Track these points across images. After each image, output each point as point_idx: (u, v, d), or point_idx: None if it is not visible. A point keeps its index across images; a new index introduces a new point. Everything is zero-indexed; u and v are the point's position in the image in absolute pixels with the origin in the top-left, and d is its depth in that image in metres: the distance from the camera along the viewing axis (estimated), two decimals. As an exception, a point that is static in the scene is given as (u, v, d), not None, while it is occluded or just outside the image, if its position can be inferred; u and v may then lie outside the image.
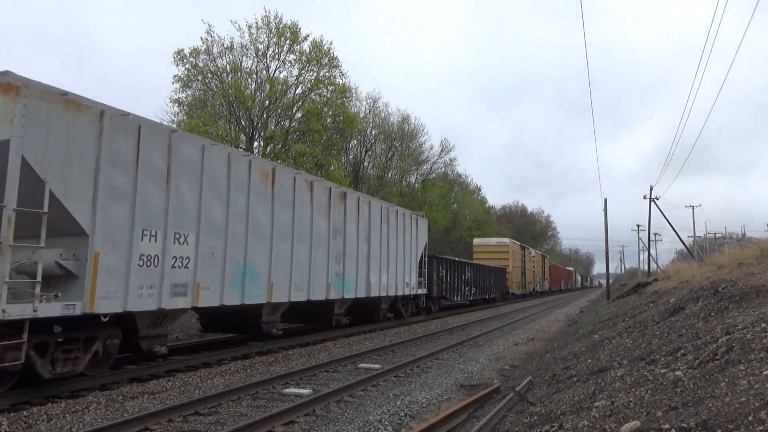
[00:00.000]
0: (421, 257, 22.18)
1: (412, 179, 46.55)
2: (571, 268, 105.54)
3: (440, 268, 25.47)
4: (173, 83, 29.16)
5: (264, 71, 30.95)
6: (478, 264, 34.44)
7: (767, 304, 7.72)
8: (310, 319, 16.48)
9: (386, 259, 18.57)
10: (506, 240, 45.47)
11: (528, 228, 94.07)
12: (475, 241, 45.61)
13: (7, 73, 7.30)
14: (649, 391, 4.87)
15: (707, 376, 4.74)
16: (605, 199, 39.68)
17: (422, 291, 22.41)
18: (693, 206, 59.13)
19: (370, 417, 7.08)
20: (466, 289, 30.03)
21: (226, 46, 29.83)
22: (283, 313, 13.68)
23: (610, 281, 42.65)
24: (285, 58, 30.97)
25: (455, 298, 28.29)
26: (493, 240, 46.12)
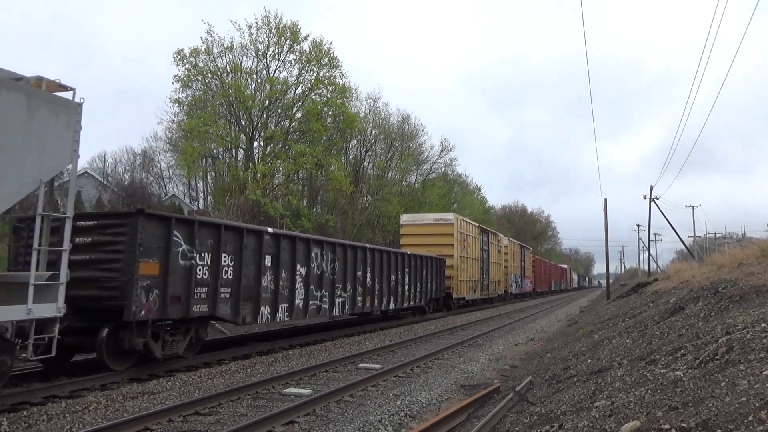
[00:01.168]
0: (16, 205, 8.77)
1: (412, 179, 46.62)
2: (565, 266, 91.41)
3: (189, 245, 10.50)
4: (173, 83, 29.25)
5: (264, 71, 31.03)
6: (370, 248, 18.57)
7: (767, 304, 7.72)
8: None
9: None
10: (450, 216, 28.76)
11: (528, 228, 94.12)
12: (403, 218, 29.43)
13: None
14: (649, 391, 4.87)
15: (707, 376, 4.74)
16: (605, 199, 39.64)
17: None
18: (693, 206, 59.26)
19: (370, 417, 7.08)
20: (323, 293, 14.92)
21: (226, 46, 29.93)
22: None
23: (610, 281, 42.64)
24: (285, 58, 31.07)
25: (277, 317, 13.07)
26: (430, 216, 29.50)
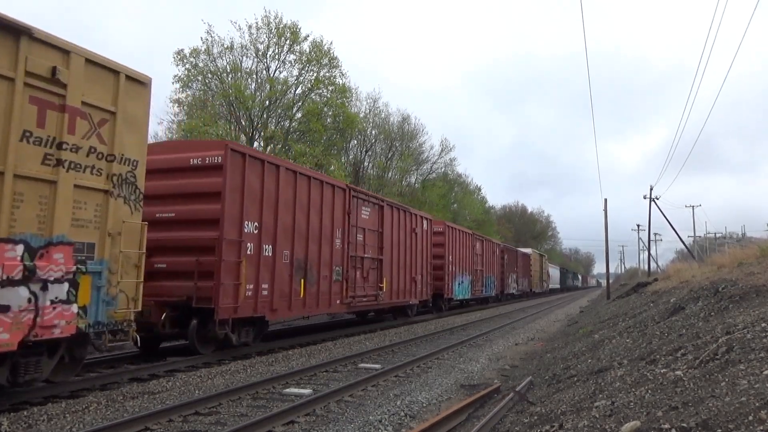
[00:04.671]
0: None
1: (412, 179, 46.60)
2: (529, 251, 52.82)
3: None
4: (173, 83, 29.26)
5: (264, 71, 31.01)
6: None
7: (767, 303, 7.72)
8: None
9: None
10: None
11: (528, 228, 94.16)
12: None
13: None
14: (650, 391, 4.87)
15: (707, 376, 4.74)
16: (605, 199, 39.57)
17: None
18: (693, 206, 59.30)
19: (371, 417, 7.08)
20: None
21: (226, 46, 29.90)
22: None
23: (611, 281, 42.58)
24: (285, 58, 31.04)
25: None
26: None
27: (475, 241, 31.45)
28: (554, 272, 73.87)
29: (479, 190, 60.88)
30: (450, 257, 26.29)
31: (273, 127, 30.56)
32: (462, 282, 28.36)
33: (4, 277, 6.71)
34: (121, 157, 8.33)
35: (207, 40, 29.44)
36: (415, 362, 11.28)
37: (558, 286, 76.64)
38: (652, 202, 42.25)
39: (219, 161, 11.35)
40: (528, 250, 53.60)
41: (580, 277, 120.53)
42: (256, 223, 11.98)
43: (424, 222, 22.77)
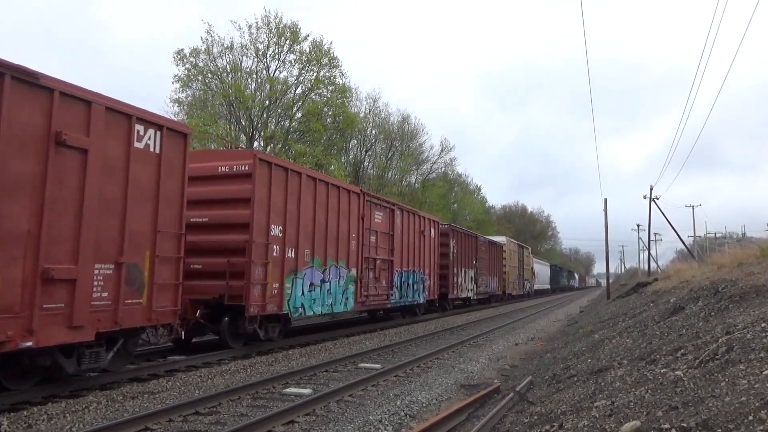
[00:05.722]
0: None
1: (412, 179, 46.57)
2: (502, 239, 40.62)
3: None
4: (173, 83, 29.26)
5: (264, 71, 31.01)
6: None
7: (767, 303, 7.72)
8: None
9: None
10: None
11: (528, 228, 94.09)
12: None
13: None
14: (650, 391, 4.87)
15: (707, 376, 4.74)
16: (605, 199, 39.50)
17: None
18: (693, 206, 59.29)
19: (371, 417, 7.08)
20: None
21: (226, 46, 29.91)
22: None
23: (611, 281, 42.56)
24: (285, 58, 31.04)
25: None
26: None
27: (371, 210, 17.52)
28: (542, 270, 61.32)
29: (479, 190, 60.92)
30: (277, 229, 12.71)
31: (273, 127, 30.56)
32: (322, 282, 14.62)
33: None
34: None
35: (207, 39, 29.46)
36: (415, 362, 11.29)
37: (548, 286, 63.80)
38: (652, 202, 42.29)
39: None
40: (501, 239, 40.14)
41: (576, 276, 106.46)
42: None
43: (138, 128, 8.72)
